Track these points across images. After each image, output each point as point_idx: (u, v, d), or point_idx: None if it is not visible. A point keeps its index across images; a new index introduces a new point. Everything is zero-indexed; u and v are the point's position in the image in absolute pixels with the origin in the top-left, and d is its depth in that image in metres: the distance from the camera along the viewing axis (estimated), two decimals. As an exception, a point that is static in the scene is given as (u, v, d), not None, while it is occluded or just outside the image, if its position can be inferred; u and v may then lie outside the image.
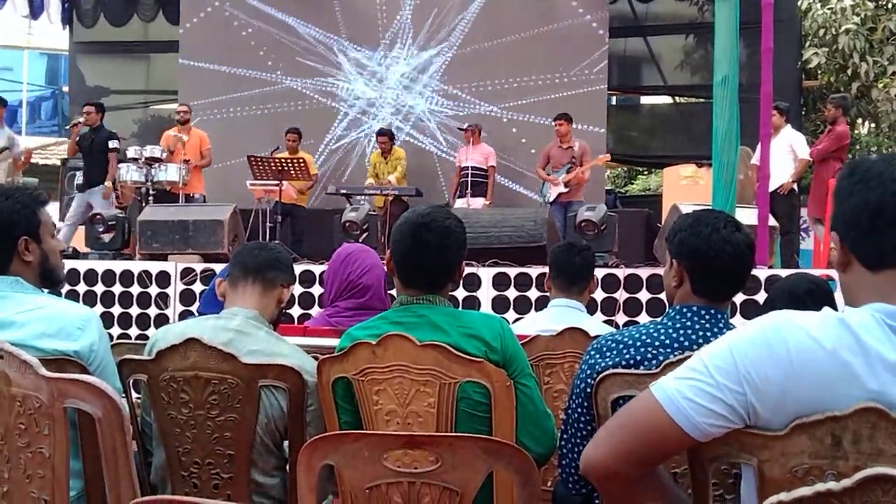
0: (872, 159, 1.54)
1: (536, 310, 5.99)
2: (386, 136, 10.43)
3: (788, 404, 1.43)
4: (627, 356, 2.18)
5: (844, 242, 1.54)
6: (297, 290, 6.77)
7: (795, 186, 8.84)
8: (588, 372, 2.21)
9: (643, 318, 6.22)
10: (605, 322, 5.75)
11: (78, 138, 9.73)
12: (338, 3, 12.18)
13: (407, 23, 12.03)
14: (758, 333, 1.47)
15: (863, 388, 1.39)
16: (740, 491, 1.65)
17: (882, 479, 1.21)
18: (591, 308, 6.09)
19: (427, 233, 2.31)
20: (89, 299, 7.07)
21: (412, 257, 2.33)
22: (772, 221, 6.60)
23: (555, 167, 9.58)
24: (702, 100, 11.97)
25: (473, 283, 6.56)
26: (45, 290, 2.50)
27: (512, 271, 6.58)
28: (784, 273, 5.87)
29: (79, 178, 9.69)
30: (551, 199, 9.47)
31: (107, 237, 7.71)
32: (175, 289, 7.08)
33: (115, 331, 7.01)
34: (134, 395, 2.53)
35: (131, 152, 9.39)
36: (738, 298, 5.98)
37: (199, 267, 7.07)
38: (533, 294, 6.47)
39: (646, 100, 14.66)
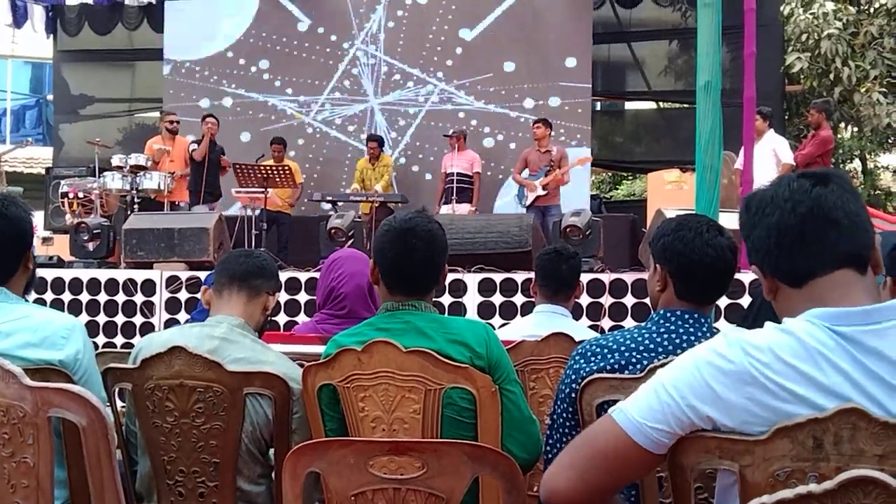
0: (762, 189, 1.62)
1: (522, 315, 6.00)
2: (376, 141, 10.48)
3: (754, 414, 1.45)
4: (612, 361, 2.19)
5: (765, 271, 1.60)
6: (283, 297, 6.75)
7: (779, 191, 8.86)
8: (573, 377, 2.22)
9: (628, 322, 6.24)
10: (591, 327, 5.76)
11: (194, 150, 9.83)
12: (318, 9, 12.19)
13: (395, 28, 12.03)
14: (711, 352, 1.51)
15: (819, 388, 1.42)
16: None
17: (863, 482, 1.22)
18: (577, 313, 6.11)
19: (414, 238, 2.33)
20: (74, 308, 7.04)
21: (399, 262, 2.34)
22: (756, 226, 6.61)
23: (532, 171, 9.65)
24: (685, 105, 12.01)
25: (459, 289, 6.56)
26: (30, 299, 2.49)
27: (497, 277, 6.58)
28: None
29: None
30: (528, 203, 9.52)
31: (91, 245, 7.67)
32: (160, 297, 7.06)
33: (101, 339, 6.98)
34: (119, 403, 2.52)
35: (116, 160, 9.36)
36: (723, 302, 6.01)
37: (184, 275, 7.05)
38: (519, 300, 6.48)
39: (630, 105, 14.70)
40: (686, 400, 1.50)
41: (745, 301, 5.96)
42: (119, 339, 7.04)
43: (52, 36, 13.91)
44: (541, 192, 9.47)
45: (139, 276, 7.13)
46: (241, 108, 12.29)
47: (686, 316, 2.21)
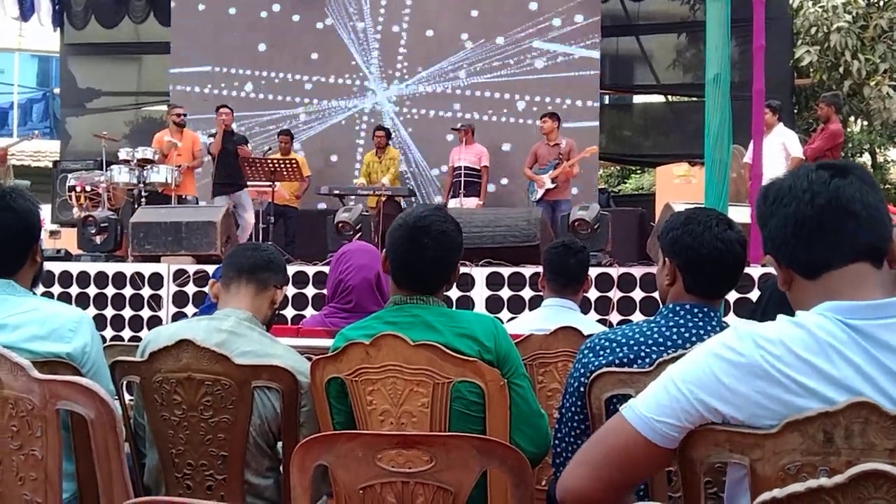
0: (780, 178, 1.61)
1: (530, 309, 5.99)
2: (383, 131, 10.49)
3: (764, 408, 1.45)
4: (621, 354, 2.18)
5: (780, 261, 1.59)
6: (291, 291, 6.75)
7: (788, 184, 8.84)
8: (582, 371, 2.21)
9: (637, 316, 6.23)
10: (599, 321, 5.75)
11: (210, 143, 9.78)
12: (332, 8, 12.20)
13: (402, 25, 12.02)
14: (721, 345, 1.51)
15: (830, 381, 1.42)
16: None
17: (874, 475, 1.21)
18: (585, 307, 6.09)
19: (424, 237, 2.31)
20: (82, 301, 7.05)
21: (408, 260, 2.33)
22: (764, 219, 6.58)
23: (542, 165, 9.64)
24: (694, 98, 11.98)
25: (467, 283, 6.55)
26: (38, 292, 2.50)
27: (506, 271, 6.57)
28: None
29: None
30: (537, 198, 9.50)
31: (99, 239, 7.68)
32: (168, 290, 7.06)
33: (108, 333, 6.99)
34: (127, 396, 2.52)
35: (123, 154, 9.37)
36: (732, 296, 5.98)
37: (191, 268, 7.05)
38: (527, 294, 6.47)
39: (638, 99, 14.67)
40: (694, 393, 1.49)
41: (755, 295, 5.94)
42: (126, 333, 7.05)
43: (58, 29, 13.90)
44: (549, 185, 9.45)
45: (146, 269, 7.14)
46: (249, 102, 12.30)
47: (695, 310, 2.20)
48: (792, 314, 1.51)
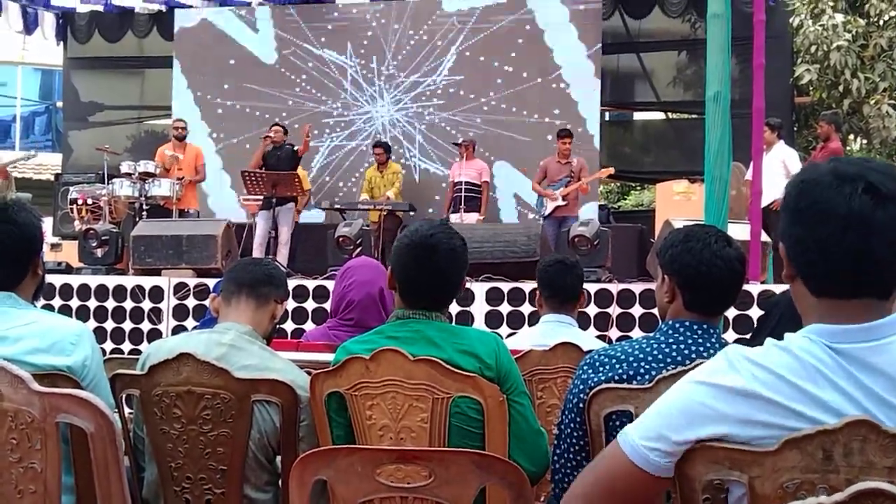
0: (824, 181, 1.46)
1: (529, 325, 5.99)
2: (382, 147, 10.49)
3: (755, 431, 1.44)
4: (620, 371, 2.18)
5: (789, 257, 1.55)
6: (291, 305, 6.76)
7: (788, 202, 8.83)
8: (581, 387, 2.21)
9: (636, 333, 6.22)
10: (598, 337, 5.76)
11: (263, 155, 9.77)
12: (334, 19, 12.24)
13: (403, 41, 12.06)
14: (710, 371, 1.50)
15: (818, 405, 1.41)
16: None
17: (873, 494, 1.21)
18: (584, 323, 6.09)
19: (433, 254, 2.33)
20: (82, 314, 7.05)
21: (416, 278, 2.34)
22: (764, 237, 6.61)
23: (551, 181, 9.64)
24: (694, 116, 11.98)
25: (467, 298, 6.56)
26: (39, 305, 2.50)
27: (505, 286, 6.58)
28: (777, 288, 5.89)
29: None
30: (547, 213, 9.52)
31: (100, 252, 7.69)
32: (168, 304, 7.07)
33: (108, 346, 6.99)
34: (126, 410, 2.52)
35: (125, 167, 9.39)
36: (731, 313, 5.99)
37: (192, 282, 7.06)
38: (526, 309, 6.47)
39: (639, 116, 14.67)
40: (685, 421, 1.49)
41: (754, 312, 5.94)
42: (126, 346, 7.05)
43: (62, 43, 13.94)
44: (560, 202, 9.48)
45: (147, 282, 7.15)
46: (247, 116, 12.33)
47: (695, 327, 2.20)
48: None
